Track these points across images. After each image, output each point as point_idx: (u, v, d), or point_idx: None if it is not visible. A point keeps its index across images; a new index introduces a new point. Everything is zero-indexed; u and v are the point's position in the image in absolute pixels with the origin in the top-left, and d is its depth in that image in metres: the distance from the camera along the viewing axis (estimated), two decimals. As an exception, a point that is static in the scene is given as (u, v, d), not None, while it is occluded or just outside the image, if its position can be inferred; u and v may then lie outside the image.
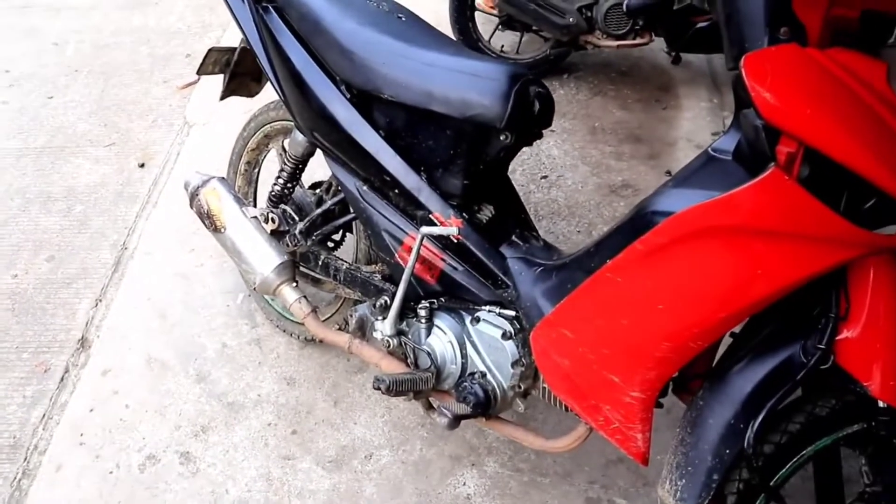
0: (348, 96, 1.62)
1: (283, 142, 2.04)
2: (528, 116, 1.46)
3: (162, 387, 2.09)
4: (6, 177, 2.84)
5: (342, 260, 1.83)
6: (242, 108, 2.85)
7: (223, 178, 1.88)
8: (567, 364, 1.33)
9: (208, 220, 1.82)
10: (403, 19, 1.73)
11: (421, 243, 1.51)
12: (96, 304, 2.35)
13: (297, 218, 1.84)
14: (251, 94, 2.16)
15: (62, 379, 2.15)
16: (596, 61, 3.31)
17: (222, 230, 1.80)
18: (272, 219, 1.82)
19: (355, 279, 1.77)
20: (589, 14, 2.92)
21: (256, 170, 2.18)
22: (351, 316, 1.74)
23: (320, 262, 1.83)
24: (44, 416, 2.06)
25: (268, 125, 2.03)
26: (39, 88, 3.33)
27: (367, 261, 1.85)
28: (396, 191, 1.58)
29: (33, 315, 2.34)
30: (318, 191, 1.95)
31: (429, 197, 1.56)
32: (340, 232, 2.00)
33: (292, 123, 1.93)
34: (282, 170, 1.87)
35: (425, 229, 1.49)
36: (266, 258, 1.76)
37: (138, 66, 3.44)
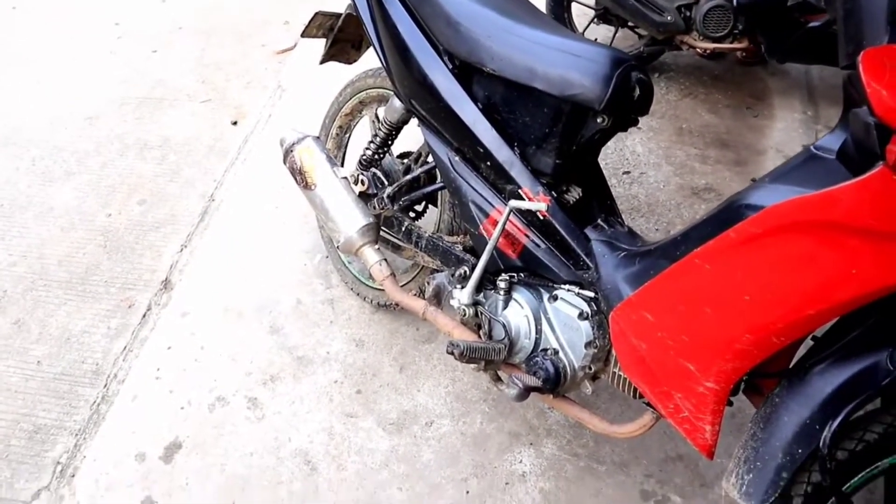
0: (450, 67, 1.64)
1: (376, 109, 2.09)
2: (627, 101, 1.47)
3: (236, 334, 2.17)
4: (108, 122, 2.97)
5: (424, 229, 1.86)
6: (334, 78, 2.92)
7: (317, 137, 1.93)
8: (644, 347, 1.33)
9: (300, 177, 1.87)
10: (511, -4, 1.75)
11: (508, 216, 1.53)
12: (181, 250, 2.44)
13: (385, 182, 1.88)
14: (349, 60, 2.21)
15: (144, 315, 2.24)
16: (689, 63, 3.27)
17: (312, 187, 1.85)
18: (361, 181, 1.87)
19: (437, 248, 1.80)
20: (688, 14, 2.89)
21: (347, 135, 2.23)
22: (428, 283, 1.78)
23: (403, 229, 1.87)
24: (125, 348, 2.16)
25: (363, 92, 2.07)
26: (145, 42, 3.47)
27: (450, 232, 1.88)
28: (488, 163, 1.61)
29: (122, 253, 2.44)
30: (406, 160, 1.99)
31: (520, 172, 1.58)
32: (423, 204, 2.04)
33: (388, 91, 1.99)
34: (375, 135, 1.91)
35: (514, 203, 1.51)
36: (352, 218, 1.80)
37: (238, 28, 3.55)
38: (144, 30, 3.56)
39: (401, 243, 1.92)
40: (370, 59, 2.06)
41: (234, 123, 2.94)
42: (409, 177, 1.84)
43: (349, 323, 2.20)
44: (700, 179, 2.69)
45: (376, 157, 1.93)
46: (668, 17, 2.88)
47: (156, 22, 3.62)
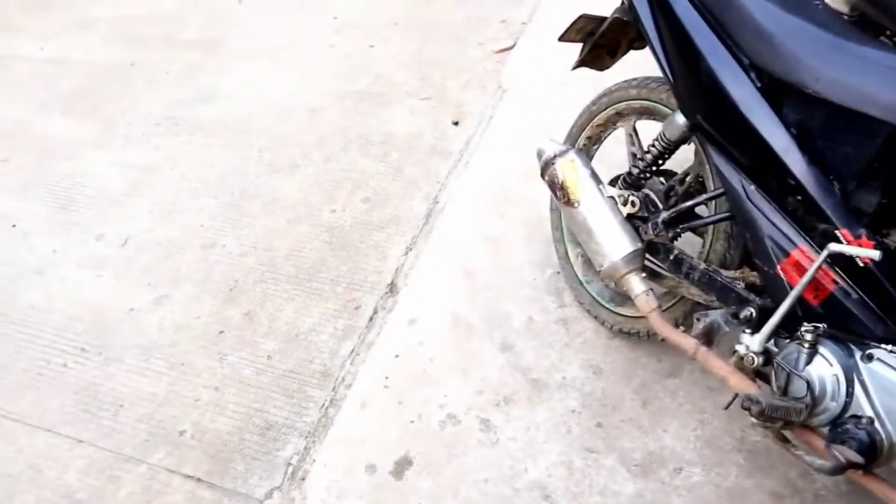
0: (758, 84, 1.46)
1: (635, 122, 1.94)
2: None
3: (466, 348, 2.08)
4: (330, 116, 2.99)
5: (697, 259, 1.69)
6: (557, 81, 2.80)
7: (580, 150, 1.80)
8: None
9: (561, 192, 1.75)
10: (821, 7, 1.54)
11: (824, 261, 1.34)
12: (406, 253, 2.39)
13: (659, 206, 1.72)
14: (602, 67, 2.06)
15: (371, 319, 2.21)
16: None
17: (575, 205, 1.72)
18: (632, 202, 1.72)
19: (713, 283, 1.62)
20: (968, 24, 2.53)
21: (596, 146, 2.09)
22: (699, 320, 1.61)
23: (672, 257, 1.71)
24: (352, 351, 2.13)
25: (624, 102, 1.92)
26: (363, 37, 3.47)
27: (721, 264, 1.70)
28: (798, 197, 1.41)
29: (347, 252, 2.42)
30: (670, 181, 1.82)
31: (837, 211, 1.37)
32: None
33: (652, 104, 1.83)
34: (646, 152, 1.76)
35: (835, 247, 1.31)
36: (619, 243, 1.66)
37: (454, 26, 3.48)
38: (362, 24, 3.57)
39: (665, 272, 1.76)
40: (622, 69, 1.93)
41: (456, 123, 2.87)
42: (690, 203, 1.67)
43: (585, 347, 2.06)
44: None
45: (644, 176, 1.78)
46: (946, 28, 2.54)
47: (371, 17, 3.62)
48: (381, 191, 2.62)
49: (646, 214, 1.72)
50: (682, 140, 1.68)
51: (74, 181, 2.89)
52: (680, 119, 1.65)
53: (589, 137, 2.07)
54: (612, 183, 1.89)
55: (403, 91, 3.09)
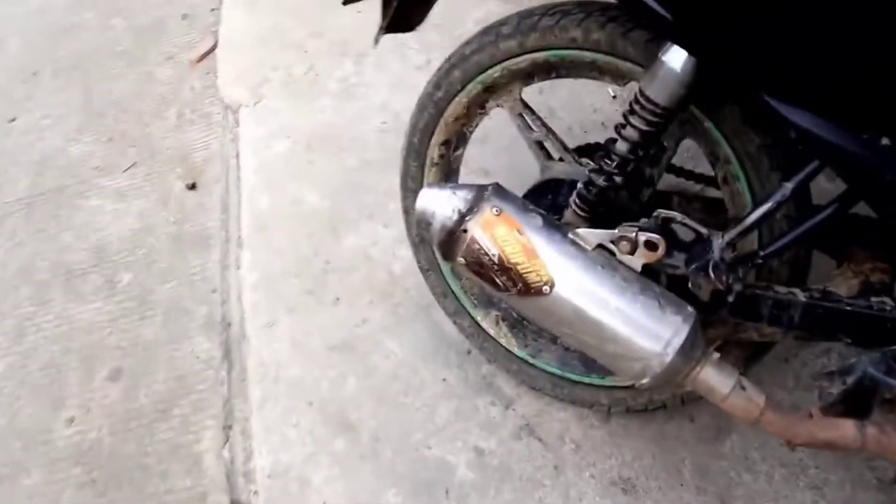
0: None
1: (519, 93, 1.12)
2: None
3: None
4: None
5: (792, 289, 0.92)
6: (299, 70, 1.95)
7: (498, 185, 0.95)
8: None
9: (502, 275, 0.90)
10: None
11: None
12: (226, 438, 1.42)
13: (700, 230, 0.89)
14: (412, 25, 1.22)
15: None
16: None
17: (545, 290, 0.88)
18: (648, 244, 0.89)
19: (840, 317, 0.88)
20: None
21: (459, 152, 1.26)
22: (832, 379, 0.88)
23: (766, 306, 0.92)
24: None
25: (497, 67, 1.09)
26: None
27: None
28: None
29: (131, 484, 1.40)
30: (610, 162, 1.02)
31: None
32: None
33: (557, 54, 1.02)
34: (615, 140, 0.94)
35: None
36: (662, 328, 0.86)
37: (120, 46, 2.39)
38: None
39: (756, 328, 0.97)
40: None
41: (192, 186, 1.88)
42: (765, 207, 0.86)
43: (584, 457, 1.26)
44: None
45: (612, 183, 0.96)
46: None
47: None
48: (131, 348, 1.59)
49: (677, 261, 0.91)
50: (687, 101, 0.88)
51: None
52: (678, 61, 0.84)
53: (444, 143, 1.22)
54: (541, 203, 1.06)
55: (91, 170, 2.00)
